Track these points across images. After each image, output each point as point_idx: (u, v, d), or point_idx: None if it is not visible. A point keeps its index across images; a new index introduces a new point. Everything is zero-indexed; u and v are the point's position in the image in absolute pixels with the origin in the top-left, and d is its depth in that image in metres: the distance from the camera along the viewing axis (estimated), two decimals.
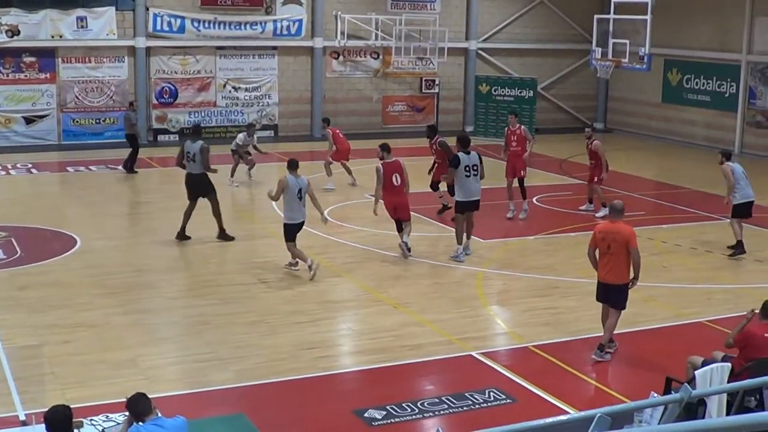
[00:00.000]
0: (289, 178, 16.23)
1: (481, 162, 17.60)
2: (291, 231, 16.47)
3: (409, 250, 17.65)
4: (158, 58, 31.55)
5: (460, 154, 17.43)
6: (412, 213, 18.00)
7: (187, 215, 18.79)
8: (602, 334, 12.95)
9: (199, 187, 18.72)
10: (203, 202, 18.77)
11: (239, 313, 14.44)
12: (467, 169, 17.31)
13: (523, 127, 21.86)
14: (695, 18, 33.87)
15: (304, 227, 16.72)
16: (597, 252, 12.81)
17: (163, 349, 13.06)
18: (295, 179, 16.25)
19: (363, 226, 19.78)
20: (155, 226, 20.40)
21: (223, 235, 18.93)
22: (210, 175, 18.78)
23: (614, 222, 12.79)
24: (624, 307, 12.93)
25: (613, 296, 12.83)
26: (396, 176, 17.57)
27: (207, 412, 11.06)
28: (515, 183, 21.27)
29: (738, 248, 18.19)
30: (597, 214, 21.11)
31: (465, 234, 17.85)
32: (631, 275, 12.74)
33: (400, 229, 17.83)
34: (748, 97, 32.36)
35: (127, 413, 8.03)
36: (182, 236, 18.74)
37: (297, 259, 16.53)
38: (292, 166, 16.48)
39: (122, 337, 13.32)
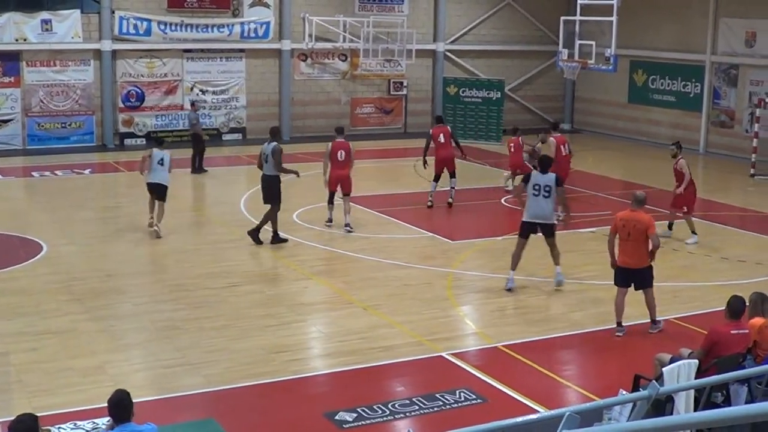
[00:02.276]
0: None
1: (558, 184, 15.85)
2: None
3: (349, 227, 19.66)
4: (124, 61, 31.35)
5: (534, 173, 16.24)
6: (384, 215, 18.00)
7: (273, 219, 18.76)
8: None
9: (268, 190, 18.75)
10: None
11: (208, 318, 14.38)
12: (536, 188, 15.73)
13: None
14: (660, 19, 34.10)
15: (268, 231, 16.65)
16: (617, 238, 13.76)
17: (131, 355, 12.98)
18: None
19: (332, 229, 19.75)
20: (122, 230, 20.28)
21: (277, 239, 18.83)
22: (284, 176, 18.97)
23: (635, 211, 13.74)
24: (652, 285, 13.88)
25: (638, 279, 13.82)
26: (341, 152, 19.79)
27: (177, 417, 11.01)
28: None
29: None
30: (688, 241, 19.27)
31: (517, 259, 16.11)
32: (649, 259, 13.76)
33: (330, 202, 20.07)
34: (712, 97, 32.61)
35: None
36: (277, 239, 18.75)
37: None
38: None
39: (90, 344, 13.22)
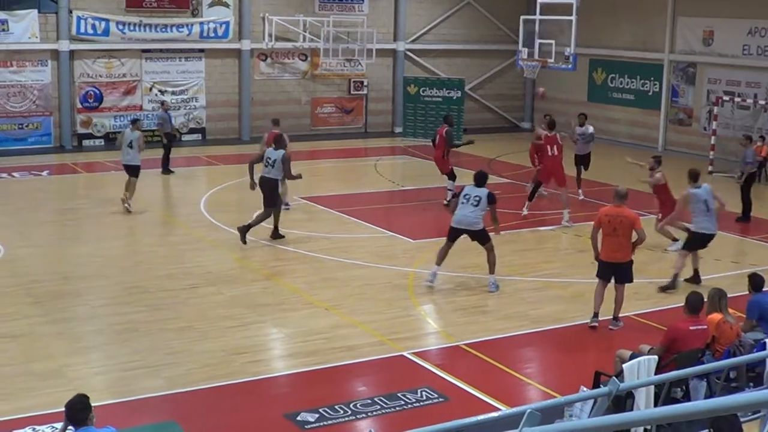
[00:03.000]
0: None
1: (491, 201, 16.09)
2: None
3: (287, 205, 21.20)
4: (82, 61, 31.07)
5: (467, 186, 16.42)
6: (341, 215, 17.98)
7: (276, 216, 19.00)
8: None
9: (270, 192, 18.90)
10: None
11: (168, 319, 14.28)
12: (466, 197, 16.11)
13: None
14: (619, 18, 34.33)
15: (234, 232, 16.57)
16: (600, 233, 14.11)
17: (90, 358, 12.86)
18: None
19: (293, 229, 19.70)
20: (81, 232, 20.13)
21: (276, 234, 19.03)
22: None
23: (619, 206, 14.09)
24: (632, 281, 14.25)
25: (621, 272, 14.12)
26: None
27: (137, 420, 10.91)
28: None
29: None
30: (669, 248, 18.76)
31: (442, 256, 16.40)
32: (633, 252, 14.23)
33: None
34: (670, 95, 32.87)
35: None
36: (277, 235, 19.00)
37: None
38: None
39: (48, 347, 13.09)
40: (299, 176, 19.36)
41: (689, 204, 16.28)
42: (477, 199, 15.91)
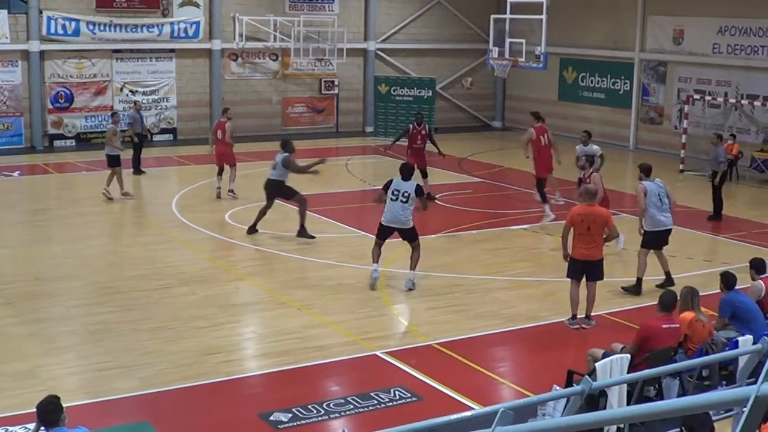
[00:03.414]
0: None
1: (419, 193, 16.18)
2: None
3: (233, 194, 22.87)
4: (53, 62, 30.89)
5: (395, 179, 16.17)
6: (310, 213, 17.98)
7: (262, 213, 19.44)
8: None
9: (278, 191, 19.52)
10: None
11: (141, 320, 14.25)
12: (395, 193, 15.97)
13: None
14: (590, 17, 34.48)
15: (206, 232, 16.53)
16: (572, 232, 14.13)
17: (63, 359, 12.81)
18: None
19: (265, 229, 19.67)
20: (52, 233, 20.04)
21: (303, 233, 19.21)
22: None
23: (591, 205, 14.18)
24: (603, 278, 14.34)
25: (593, 270, 14.19)
26: (219, 132, 23.19)
27: (110, 421, 10.90)
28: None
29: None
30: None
31: (376, 255, 16.33)
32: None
33: (219, 174, 23.15)
34: (641, 94, 33.06)
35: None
36: (253, 230, 19.43)
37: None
38: None
39: (21, 348, 13.04)
40: (317, 166, 19.87)
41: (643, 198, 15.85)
42: (406, 195, 15.86)
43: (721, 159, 22.06)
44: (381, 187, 16.46)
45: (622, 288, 15.97)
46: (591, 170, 18.48)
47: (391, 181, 16.18)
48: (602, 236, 14.15)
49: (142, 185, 25.46)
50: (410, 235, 16.21)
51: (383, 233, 16.26)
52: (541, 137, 21.79)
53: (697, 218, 21.75)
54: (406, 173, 16.16)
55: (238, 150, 24.12)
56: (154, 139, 32.08)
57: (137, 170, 26.25)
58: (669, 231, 16.12)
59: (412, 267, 16.14)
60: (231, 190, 23.13)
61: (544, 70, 29.09)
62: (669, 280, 16.03)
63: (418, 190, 16.05)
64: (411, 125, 23.26)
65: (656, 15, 32.24)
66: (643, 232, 16.00)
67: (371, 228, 19.95)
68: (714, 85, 30.39)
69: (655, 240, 16.01)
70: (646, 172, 16.30)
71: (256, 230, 19.41)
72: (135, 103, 28.44)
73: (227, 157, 23.29)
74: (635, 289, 15.82)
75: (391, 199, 15.93)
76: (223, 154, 23.30)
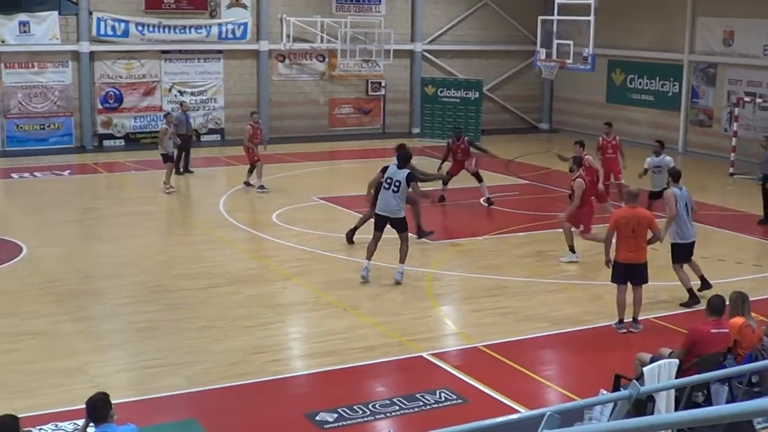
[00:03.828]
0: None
1: (411, 180, 16.39)
2: None
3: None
4: (102, 62, 31.21)
5: (390, 166, 16.41)
6: None
7: (417, 217, 19.21)
8: (622, 320, 13.04)
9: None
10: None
11: (188, 318, 14.35)
12: (388, 181, 16.14)
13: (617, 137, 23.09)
14: (638, 19, 34.21)
15: (253, 232, 16.61)
16: (615, 236, 13.98)
17: (111, 356, 12.95)
18: None
19: (311, 229, 19.74)
20: (101, 232, 20.25)
21: (421, 232, 19.31)
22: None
23: (634, 207, 14.08)
24: (647, 281, 14.17)
25: (639, 274, 14.06)
26: (259, 132, 24.46)
27: (157, 418, 10.99)
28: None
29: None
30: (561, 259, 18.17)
31: (371, 250, 16.47)
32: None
33: (250, 172, 24.23)
34: (690, 96, 32.76)
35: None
36: (421, 233, 19.30)
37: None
38: None
39: (70, 345, 13.19)
40: (439, 176, 20.94)
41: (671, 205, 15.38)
42: (398, 184, 15.98)
43: None
44: (380, 170, 16.77)
45: (681, 305, 15.36)
46: (576, 174, 17.98)
47: (387, 167, 16.43)
48: (645, 239, 14.06)
49: (189, 185, 25.66)
50: (399, 226, 16.28)
51: (377, 223, 16.43)
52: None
53: (748, 222, 21.52)
54: (401, 161, 16.38)
55: (284, 151, 24.36)
56: (201, 139, 32.24)
57: (180, 170, 26.37)
58: (693, 243, 15.68)
59: (401, 260, 16.29)
60: (261, 185, 24.06)
61: (591, 72, 28.88)
62: (705, 284, 15.66)
63: (409, 178, 16.12)
64: (450, 140, 23.21)
65: (706, 16, 31.92)
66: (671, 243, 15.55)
67: (415, 229, 19.99)
68: (765, 88, 30.01)
69: (683, 253, 15.56)
70: (675, 177, 15.93)
71: (427, 232, 19.43)
72: (181, 104, 28.59)
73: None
74: (692, 300, 15.31)
75: (384, 187, 16.17)
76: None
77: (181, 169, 26.45)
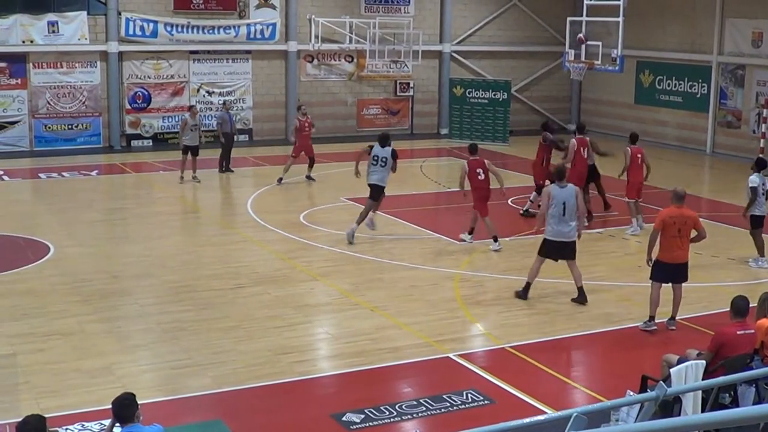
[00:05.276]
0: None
1: (394, 156, 19.21)
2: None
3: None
4: (131, 62, 31.39)
5: (375, 145, 19.39)
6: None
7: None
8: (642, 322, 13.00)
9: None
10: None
11: (215, 319, 14.39)
12: (375, 158, 19.19)
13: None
14: (666, 20, 34.08)
15: (281, 232, 16.65)
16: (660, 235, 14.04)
17: (138, 357, 12.99)
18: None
19: (339, 230, 19.76)
20: (129, 232, 20.34)
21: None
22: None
23: (680, 207, 14.17)
24: (687, 280, 14.34)
25: (681, 273, 14.24)
26: (307, 126, 25.64)
27: (184, 418, 11.03)
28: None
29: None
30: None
31: (364, 215, 19.16)
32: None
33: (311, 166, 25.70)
34: (719, 97, 32.56)
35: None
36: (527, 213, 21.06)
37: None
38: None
39: (97, 345, 13.24)
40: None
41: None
42: (384, 160, 19.12)
43: None
44: (366, 150, 19.45)
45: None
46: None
47: (372, 146, 19.30)
48: (689, 238, 14.16)
49: (219, 185, 25.74)
50: (376, 192, 19.11)
51: (376, 194, 19.12)
52: (582, 149, 21.35)
53: None
54: (382, 141, 19.24)
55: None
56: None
57: (222, 169, 26.60)
58: (566, 243, 15.71)
59: (359, 221, 18.91)
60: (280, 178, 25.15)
61: (620, 73, 28.77)
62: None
63: (393, 154, 19.15)
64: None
65: (735, 18, 31.73)
66: None
67: (445, 230, 20.04)
68: None
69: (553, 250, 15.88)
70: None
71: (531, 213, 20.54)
72: (224, 103, 28.82)
73: (308, 148, 25.71)
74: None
75: (372, 163, 19.17)
76: (305, 147, 25.67)
77: (223, 168, 26.63)
